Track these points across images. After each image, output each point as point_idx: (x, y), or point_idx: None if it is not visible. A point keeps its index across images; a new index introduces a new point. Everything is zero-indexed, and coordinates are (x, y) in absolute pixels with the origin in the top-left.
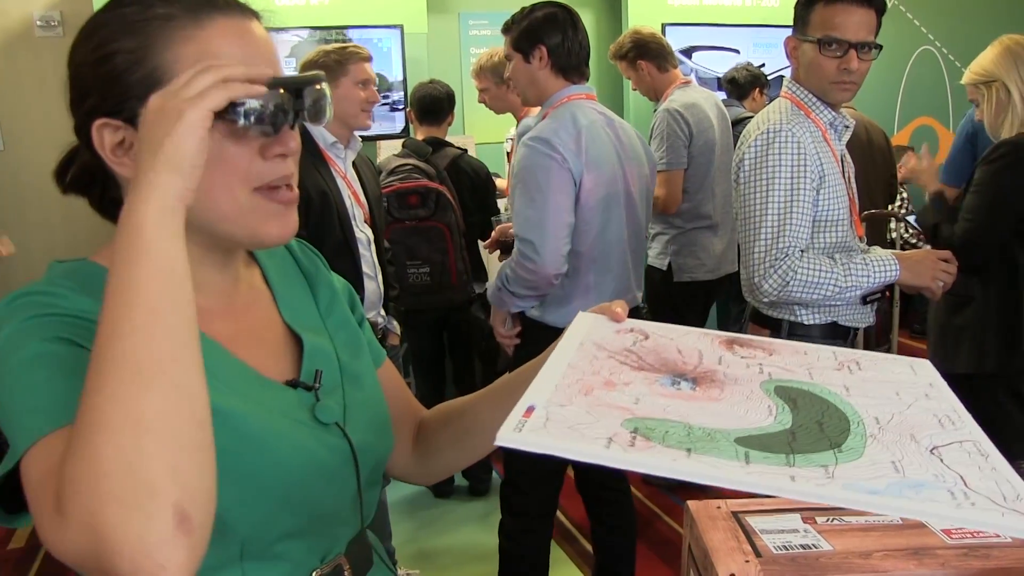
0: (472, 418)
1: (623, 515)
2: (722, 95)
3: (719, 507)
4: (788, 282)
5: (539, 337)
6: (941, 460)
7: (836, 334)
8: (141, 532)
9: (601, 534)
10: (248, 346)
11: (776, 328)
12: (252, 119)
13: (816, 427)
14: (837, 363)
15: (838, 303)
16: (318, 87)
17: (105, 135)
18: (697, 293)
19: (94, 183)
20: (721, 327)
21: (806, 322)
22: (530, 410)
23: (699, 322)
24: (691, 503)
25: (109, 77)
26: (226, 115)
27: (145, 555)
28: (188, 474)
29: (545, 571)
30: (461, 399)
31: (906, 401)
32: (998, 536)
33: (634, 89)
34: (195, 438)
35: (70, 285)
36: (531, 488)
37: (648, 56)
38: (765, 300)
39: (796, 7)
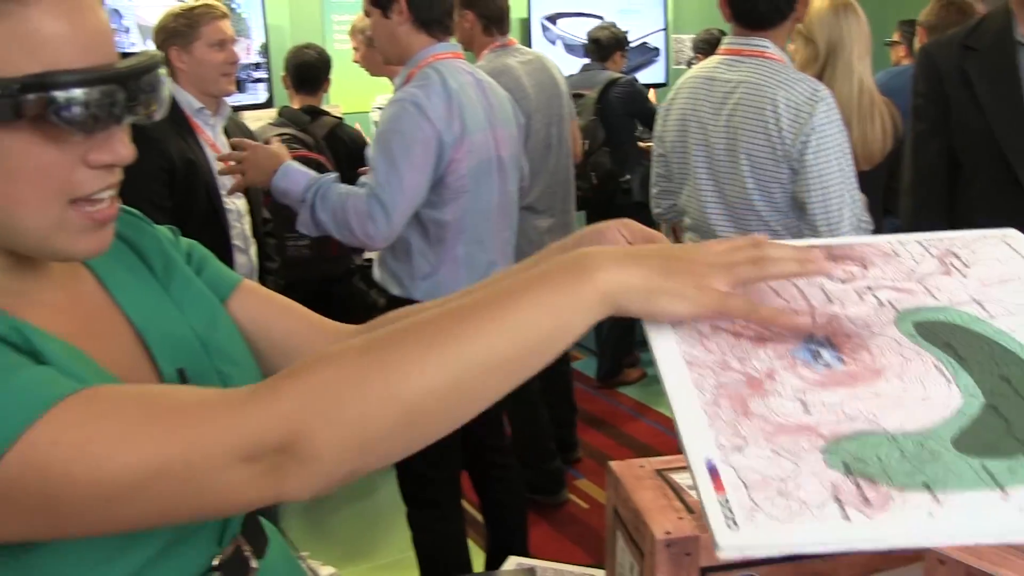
0: None
1: (511, 491)
2: (586, 60)
3: (642, 466)
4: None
5: None
6: None
7: None
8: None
9: (490, 511)
10: (95, 344)
11: None
12: (74, 117)
13: (1006, 386)
14: (939, 263)
15: None
16: (153, 75)
17: None
18: None
19: None
20: None
21: None
22: (715, 474)
23: None
24: (614, 464)
25: None
26: (44, 114)
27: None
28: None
29: (465, 554)
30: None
31: None
32: None
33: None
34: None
35: None
36: (431, 472)
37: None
38: None
39: None
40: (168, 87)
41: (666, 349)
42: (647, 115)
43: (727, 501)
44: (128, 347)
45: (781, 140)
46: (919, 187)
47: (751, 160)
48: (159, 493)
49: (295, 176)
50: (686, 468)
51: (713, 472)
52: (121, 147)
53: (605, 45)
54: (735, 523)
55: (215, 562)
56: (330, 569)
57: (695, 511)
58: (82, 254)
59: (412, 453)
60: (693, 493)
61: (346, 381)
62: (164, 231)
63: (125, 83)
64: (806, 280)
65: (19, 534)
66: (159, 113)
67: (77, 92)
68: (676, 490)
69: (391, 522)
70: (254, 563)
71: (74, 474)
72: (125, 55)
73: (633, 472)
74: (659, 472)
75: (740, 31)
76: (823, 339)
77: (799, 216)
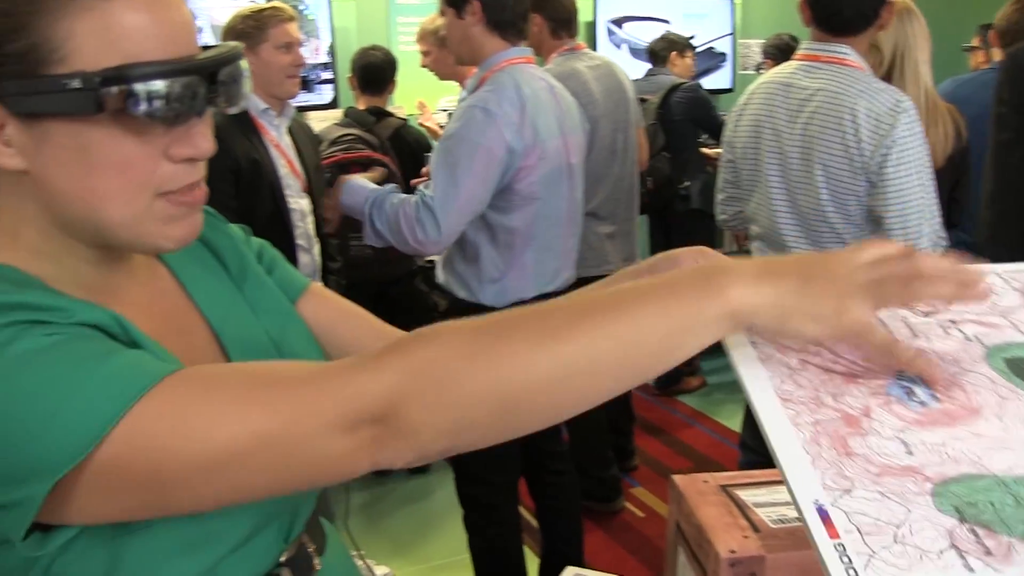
0: None
1: (567, 497)
2: (650, 65)
3: (706, 481)
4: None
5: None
6: None
7: None
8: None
9: (546, 517)
10: (174, 341)
11: None
12: (154, 109)
13: None
14: (1021, 297)
15: None
16: (234, 67)
17: None
18: None
19: None
20: None
21: None
22: (825, 517)
23: None
24: (677, 478)
25: None
26: (124, 107)
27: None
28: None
29: (520, 560)
30: None
31: None
32: None
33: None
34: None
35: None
36: (490, 476)
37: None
38: None
39: None
40: (246, 79)
41: (758, 384)
42: (710, 121)
43: (843, 547)
44: (204, 345)
45: (860, 151)
46: (1000, 198)
47: (827, 171)
48: (262, 463)
49: (356, 191)
50: (752, 485)
51: (824, 515)
52: (202, 140)
53: (658, 53)
54: (855, 570)
55: (283, 558)
56: (385, 568)
57: (761, 529)
58: (173, 243)
59: (505, 440)
60: (760, 511)
61: (452, 362)
62: (237, 230)
63: (205, 75)
64: (888, 312)
65: (126, 511)
66: (239, 106)
67: (158, 84)
68: (741, 507)
69: (447, 524)
70: (316, 561)
71: (179, 447)
72: (205, 48)
73: (696, 487)
74: (724, 488)
75: (820, 36)
76: (915, 376)
77: (874, 230)
